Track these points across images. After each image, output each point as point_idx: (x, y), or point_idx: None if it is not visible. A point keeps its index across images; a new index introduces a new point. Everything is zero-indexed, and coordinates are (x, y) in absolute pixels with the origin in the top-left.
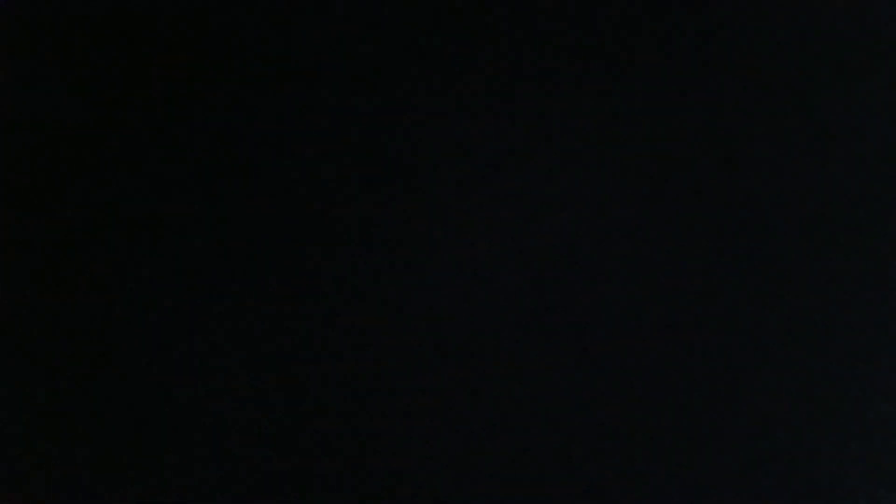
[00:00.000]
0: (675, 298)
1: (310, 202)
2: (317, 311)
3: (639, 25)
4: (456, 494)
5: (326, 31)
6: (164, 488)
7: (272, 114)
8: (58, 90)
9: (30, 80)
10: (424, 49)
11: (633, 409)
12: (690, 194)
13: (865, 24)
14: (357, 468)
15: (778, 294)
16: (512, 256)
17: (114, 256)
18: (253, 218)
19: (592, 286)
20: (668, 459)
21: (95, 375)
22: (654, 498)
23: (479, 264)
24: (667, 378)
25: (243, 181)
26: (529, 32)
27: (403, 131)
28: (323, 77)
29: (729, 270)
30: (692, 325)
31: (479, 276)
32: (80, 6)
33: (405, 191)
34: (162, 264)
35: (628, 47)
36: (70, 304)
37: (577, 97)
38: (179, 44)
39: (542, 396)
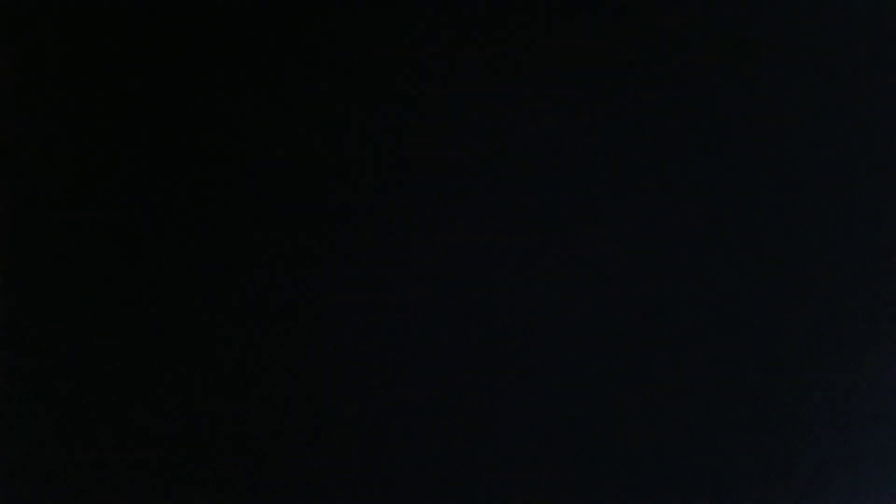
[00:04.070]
0: (674, 299)
1: (309, 201)
2: (316, 311)
3: (642, 25)
4: (456, 495)
5: (328, 33)
6: (165, 490)
7: (274, 113)
8: (57, 91)
9: (30, 80)
10: (422, 51)
11: (633, 410)
12: (690, 193)
13: (865, 24)
14: (356, 469)
15: (777, 295)
16: (512, 258)
17: (112, 256)
18: (252, 218)
19: (592, 285)
20: (668, 460)
21: (96, 376)
22: (654, 498)
23: (479, 265)
24: (666, 378)
25: (245, 181)
26: (528, 37)
27: (401, 132)
28: (323, 79)
29: (727, 271)
30: (690, 326)
31: (479, 277)
32: (80, 7)
33: (403, 190)
34: (160, 264)
35: (627, 44)
36: (71, 305)
37: (576, 96)
38: (180, 44)
39: (542, 397)
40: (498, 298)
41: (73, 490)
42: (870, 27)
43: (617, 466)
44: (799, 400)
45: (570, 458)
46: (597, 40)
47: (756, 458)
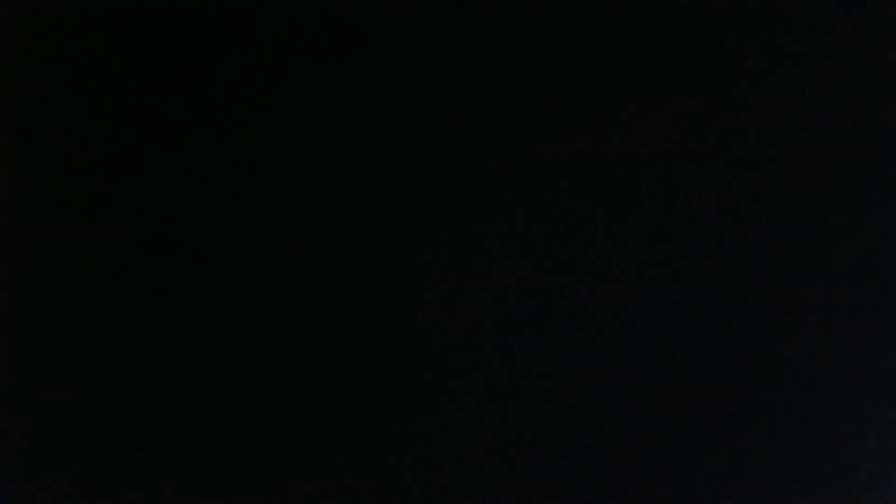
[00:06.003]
0: (673, 299)
1: (311, 202)
2: (319, 309)
3: (638, 24)
4: (458, 495)
5: (333, 34)
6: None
7: (278, 113)
8: (57, 91)
9: (29, 80)
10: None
11: (633, 411)
12: (690, 192)
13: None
14: (358, 469)
15: (777, 294)
16: (513, 257)
17: (112, 256)
18: (253, 219)
19: (592, 285)
20: (668, 460)
21: (98, 377)
22: (653, 498)
23: (478, 265)
24: (665, 379)
25: (247, 182)
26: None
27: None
28: (328, 79)
29: (727, 270)
30: (690, 326)
31: (478, 277)
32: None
33: (405, 193)
34: (161, 265)
35: (625, 45)
36: (74, 308)
37: (574, 98)
38: (184, 43)
39: (543, 397)
40: (497, 300)
41: (72, 489)
42: (870, 28)
43: (617, 468)
44: (799, 400)
45: (570, 458)
46: (597, 41)
47: (755, 459)
